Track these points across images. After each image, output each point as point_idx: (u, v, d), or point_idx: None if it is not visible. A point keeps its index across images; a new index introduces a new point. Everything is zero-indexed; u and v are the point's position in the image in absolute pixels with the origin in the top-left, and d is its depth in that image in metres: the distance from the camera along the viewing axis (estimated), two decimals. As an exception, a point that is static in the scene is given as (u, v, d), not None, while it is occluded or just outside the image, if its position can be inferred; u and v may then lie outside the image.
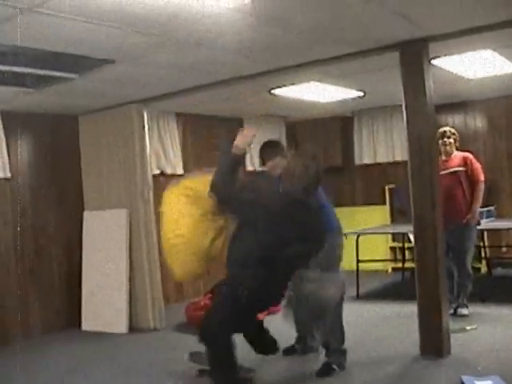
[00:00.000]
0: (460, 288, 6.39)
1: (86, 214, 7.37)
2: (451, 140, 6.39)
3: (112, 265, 6.99)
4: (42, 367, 5.65)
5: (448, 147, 6.38)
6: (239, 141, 3.95)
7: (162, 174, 8.16)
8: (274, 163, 5.06)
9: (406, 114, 5.14)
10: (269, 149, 5.18)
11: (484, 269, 8.67)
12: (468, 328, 5.88)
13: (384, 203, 9.87)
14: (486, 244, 8.69)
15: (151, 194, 7.00)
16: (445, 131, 6.40)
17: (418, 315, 5.18)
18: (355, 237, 7.92)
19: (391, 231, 9.14)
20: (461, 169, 6.33)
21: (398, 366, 5.00)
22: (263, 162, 5.25)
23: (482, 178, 6.37)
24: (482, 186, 6.38)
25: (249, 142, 3.99)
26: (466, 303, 6.43)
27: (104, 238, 7.12)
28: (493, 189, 8.85)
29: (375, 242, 9.36)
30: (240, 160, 4.03)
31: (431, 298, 5.06)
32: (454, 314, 6.31)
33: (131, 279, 6.91)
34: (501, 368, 4.65)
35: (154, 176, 7.59)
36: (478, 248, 8.45)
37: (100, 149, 7.26)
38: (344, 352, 5.00)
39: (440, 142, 6.33)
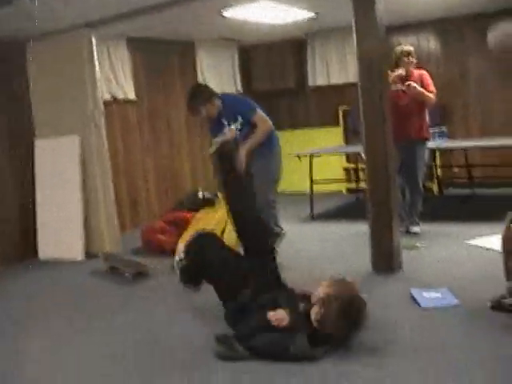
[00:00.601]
0: (411, 205, 6.53)
1: (37, 142, 7.25)
2: (414, 60, 6.43)
3: (66, 193, 6.94)
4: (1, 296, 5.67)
5: (411, 66, 6.42)
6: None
7: (115, 100, 8.06)
8: (206, 110, 5.62)
9: (356, 35, 5.11)
10: (196, 99, 5.56)
11: (436, 189, 8.85)
12: (419, 245, 6.04)
13: (338, 124, 9.90)
14: (438, 164, 8.87)
15: (103, 120, 6.92)
16: (410, 50, 6.43)
17: (369, 232, 5.30)
18: (308, 158, 7.98)
19: (344, 151, 9.25)
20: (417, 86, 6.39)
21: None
22: (195, 112, 5.44)
23: (433, 89, 6.43)
24: (432, 95, 6.41)
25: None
26: (418, 221, 6.58)
27: (56, 166, 7.04)
28: (446, 110, 8.95)
29: (329, 163, 9.43)
30: None
31: (382, 215, 5.17)
32: (406, 231, 6.46)
33: (86, 206, 6.88)
34: (449, 281, 4.81)
35: (106, 102, 7.48)
36: (430, 168, 8.61)
37: (49, 76, 7.07)
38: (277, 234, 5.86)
39: (405, 59, 6.37)
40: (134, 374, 3.67)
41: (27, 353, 4.25)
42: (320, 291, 3.63)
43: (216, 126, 5.79)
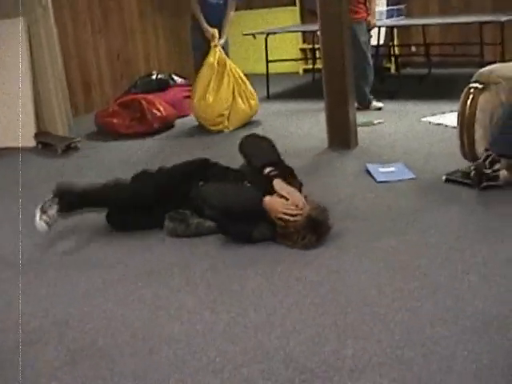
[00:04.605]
0: (364, 80, 6.49)
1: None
2: None
3: (15, 79, 6.68)
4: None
5: None
6: (276, 209, 3.46)
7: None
8: None
9: None
10: None
11: (393, 68, 8.79)
12: (375, 122, 6.03)
13: (294, 4, 9.64)
14: (396, 43, 8.75)
15: (50, 2, 6.61)
16: None
17: (325, 109, 5.27)
18: (264, 38, 7.83)
19: (301, 30, 9.10)
20: None
21: (307, 157, 5.13)
22: None
23: None
24: None
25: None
26: (371, 96, 6.60)
27: (3, 52, 6.75)
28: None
29: (285, 43, 9.27)
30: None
31: (338, 92, 5.12)
32: (358, 109, 6.41)
33: (36, 92, 6.65)
34: (404, 156, 4.87)
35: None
36: (388, 47, 8.51)
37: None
38: None
39: None
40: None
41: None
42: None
43: None
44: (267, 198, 3.45)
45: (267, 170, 3.63)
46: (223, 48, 6.57)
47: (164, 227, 3.76)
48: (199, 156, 4.14)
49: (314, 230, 3.38)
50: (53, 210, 3.68)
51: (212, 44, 6.43)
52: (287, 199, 3.44)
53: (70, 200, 3.77)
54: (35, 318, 2.92)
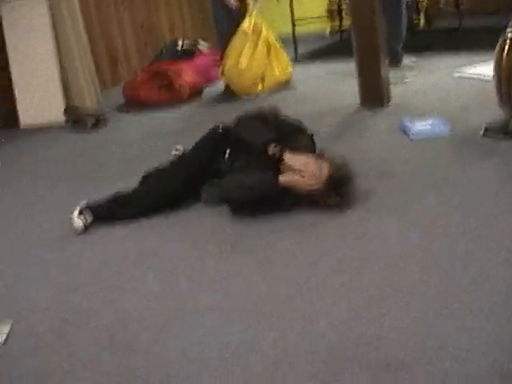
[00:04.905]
0: (396, 37, 6.28)
1: (2, 6, 6.84)
2: None
3: (40, 56, 6.65)
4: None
5: None
6: (294, 187, 3.36)
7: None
8: None
9: None
10: None
11: (422, 22, 8.57)
12: (408, 78, 5.88)
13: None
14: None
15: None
16: None
17: (355, 67, 5.14)
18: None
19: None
20: None
21: (339, 116, 5.05)
22: None
23: None
24: None
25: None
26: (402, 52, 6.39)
27: (27, 30, 6.70)
28: None
29: (311, 5, 9.09)
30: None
31: (368, 49, 4.95)
32: (390, 66, 6.23)
33: (63, 68, 6.62)
34: (438, 110, 4.71)
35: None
36: (416, 1, 8.29)
37: None
38: None
39: None
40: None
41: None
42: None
43: None
44: (282, 179, 3.35)
45: (271, 148, 3.49)
46: None
47: (201, 198, 3.70)
48: (227, 122, 4.02)
49: (337, 190, 3.28)
50: (90, 217, 3.59)
51: (248, 13, 6.25)
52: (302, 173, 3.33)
53: (101, 209, 3.65)
54: (56, 309, 2.83)
